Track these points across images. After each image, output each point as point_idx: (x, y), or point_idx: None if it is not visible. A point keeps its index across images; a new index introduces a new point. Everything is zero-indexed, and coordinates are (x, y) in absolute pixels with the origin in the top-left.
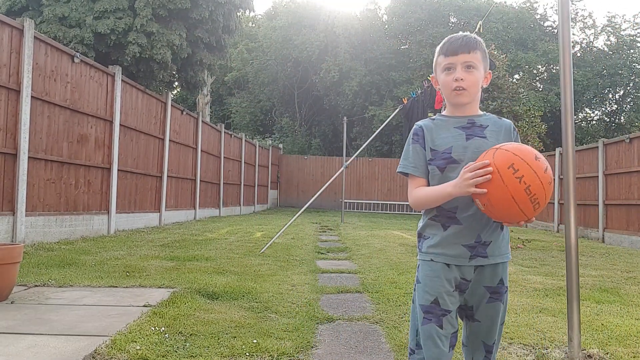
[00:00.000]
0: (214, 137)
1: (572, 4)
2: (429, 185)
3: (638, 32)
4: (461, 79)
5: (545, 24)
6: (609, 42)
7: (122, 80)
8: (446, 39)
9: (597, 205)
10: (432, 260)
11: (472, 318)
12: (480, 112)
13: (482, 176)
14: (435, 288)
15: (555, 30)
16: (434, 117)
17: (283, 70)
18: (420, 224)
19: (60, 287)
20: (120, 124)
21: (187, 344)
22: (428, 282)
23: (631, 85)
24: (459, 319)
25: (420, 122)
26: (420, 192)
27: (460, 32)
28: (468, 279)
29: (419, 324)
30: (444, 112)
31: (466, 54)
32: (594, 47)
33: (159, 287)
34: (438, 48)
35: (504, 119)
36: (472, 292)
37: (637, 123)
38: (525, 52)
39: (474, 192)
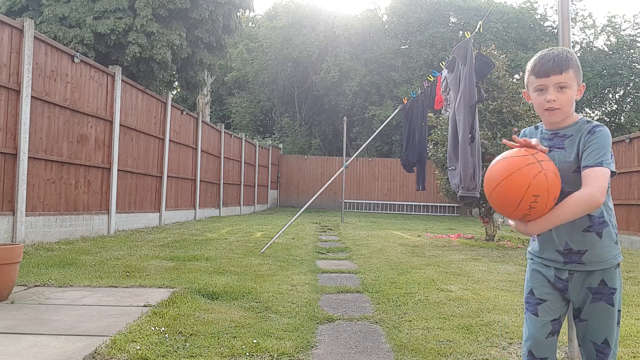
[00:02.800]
0: (214, 137)
1: (572, 4)
2: None
3: (638, 32)
4: (553, 100)
5: (545, 24)
6: (609, 42)
7: (122, 80)
8: (537, 57)
9: None
10: (532, 259)
11: (580, 318)
12: (571, 120)
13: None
14: (530, 280)
15: (555, 30)
16: (538, 124)
17: (283, 70)
18: None
19: (60, 287)
20: (120, 124)
21: (187, 344)
22: (527, 276)
23: (631, 85)
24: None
25: (525, 130)
26: None
27: (552, 50)
28: (563, 278)
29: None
30: (540, 123)
31: (558, 75)
32: (594, 47)
33: (159, 287)
34: (529, 67)
35: (592, 122)
36: (574, 293)
37: (637, 123)
38: (525, 52)
39: None
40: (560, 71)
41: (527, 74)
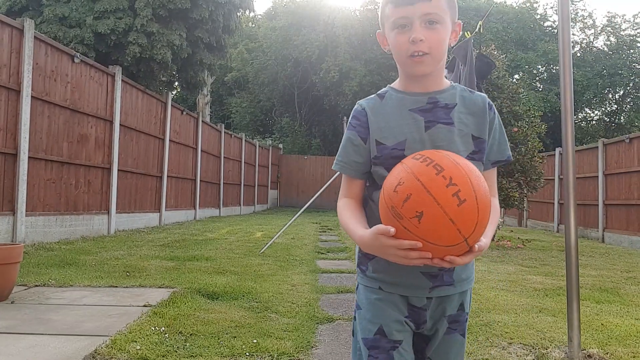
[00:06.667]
0: (214, 137)
1: (572, 4)
2: (375, 184)
3: (638, 32)
4: (420, 40)
5: (545, 24)
6: (609, 42)
7: (122, 80)
8: None
9: (597, 205)
10: (380, 288)
11: (423, 353)
12: (445, 84)
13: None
14: (378, 314)
15: (555, 30)
16: (384, 90)
17: (283, 70)
18: None
19: (60, 287)
20: (120, 124)
21: (187, 344)
22: (368, 308)
23: (631, 85)
24: None
25: (363, 102)
26: (342, 212)
27: None
28: (420, 306)
29: None
30: (395, 85)
31: (426, 3)
32: (594, 47)
33: (159, 287)
34: None
35: (477, 92)
36: (430, 323)
37: (637, 123)
38: (525, 52)
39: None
40: None
41: (382, 4)
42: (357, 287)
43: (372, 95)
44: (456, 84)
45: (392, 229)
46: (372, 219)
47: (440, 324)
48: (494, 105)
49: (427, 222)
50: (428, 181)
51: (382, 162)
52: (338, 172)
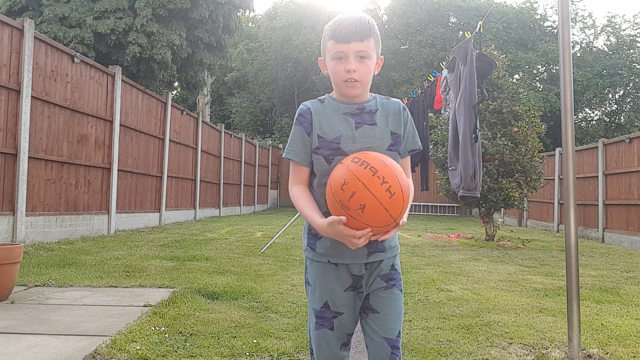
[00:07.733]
0: (214, 137)
1: (572, 4)
2: (312, 173)
3: (638, 32)
4: (353, 70)
5: (545, 24)
6: (608, 42)
7: (122, 80)
8: (337, 20)
9: (597, 205)
10: (328, 262)
11: (370, 308)
12: (369, 96)
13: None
14: (324, 291)
15: (555, 30)
16: (323, 97)
17: (283, 70)
18: None
19: (60, 287)
20: (120, 124)
21: (187, 344)
22: (316, 285)
23: (631, 85)
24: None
25: (307, 103)
26: (298, 199)
27: (353, 14)
28: (359, 274)
29: (312, 328)
30: (333, 95)
31: (359, 43)
32: (594, 47)
33: (159, 287)
34: (327, 29)
35: (392, 99)
36: (367, 284)
37: (637, 123)
38: (525, 52)
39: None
40: (361, 38)
41: (324, 38)
42: (305, 266)
43: (314, 100)
44: (376, 94)
45: (344, 218)
46: None
47: (377, 282)
48: (407, 108)
49: (368, 212)
50: (367, 181)
51: (322, 152)
52: None
